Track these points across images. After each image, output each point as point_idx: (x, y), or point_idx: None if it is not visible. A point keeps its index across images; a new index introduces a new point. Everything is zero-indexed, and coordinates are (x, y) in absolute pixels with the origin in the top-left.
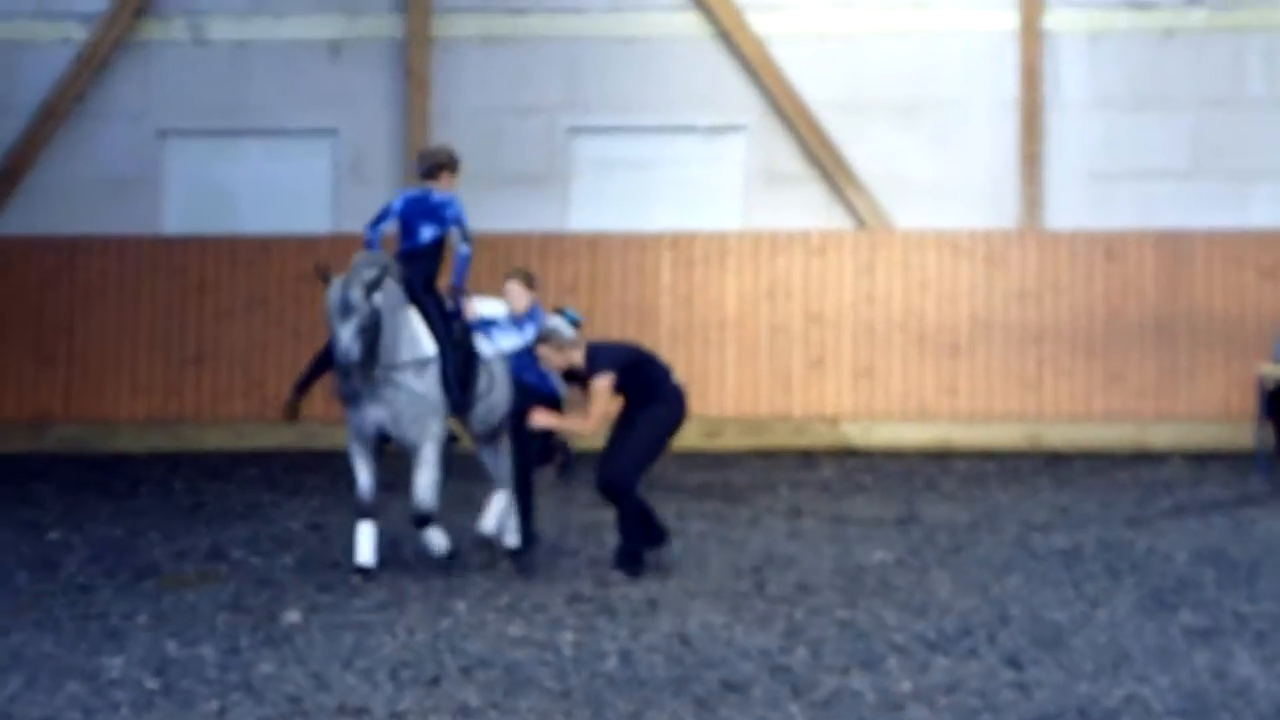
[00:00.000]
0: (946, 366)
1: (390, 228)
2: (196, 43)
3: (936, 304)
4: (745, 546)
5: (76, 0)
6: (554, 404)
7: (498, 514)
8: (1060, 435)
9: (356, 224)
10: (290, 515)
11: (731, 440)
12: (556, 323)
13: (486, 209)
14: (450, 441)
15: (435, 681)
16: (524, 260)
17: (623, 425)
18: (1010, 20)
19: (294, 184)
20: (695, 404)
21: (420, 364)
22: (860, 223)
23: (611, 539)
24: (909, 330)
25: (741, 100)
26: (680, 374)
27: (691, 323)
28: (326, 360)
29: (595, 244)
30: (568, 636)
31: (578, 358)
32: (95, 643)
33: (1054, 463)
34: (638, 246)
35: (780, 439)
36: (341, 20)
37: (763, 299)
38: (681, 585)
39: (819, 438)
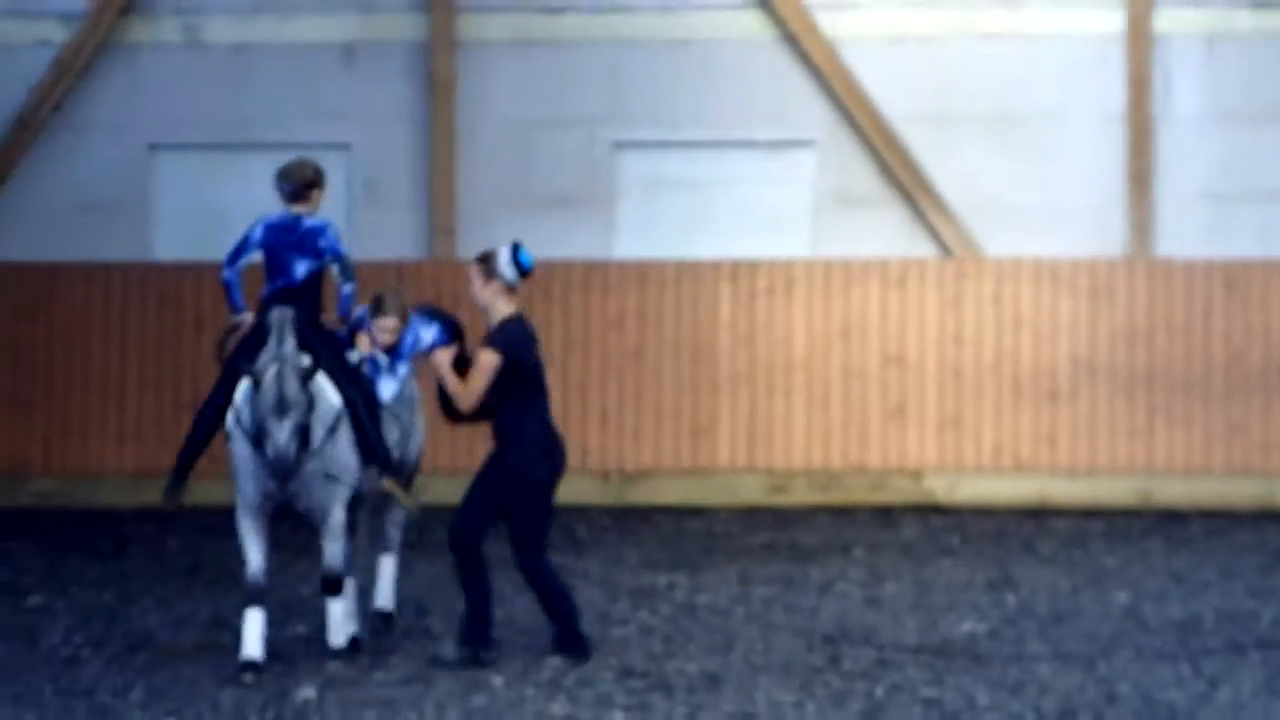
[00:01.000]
0: (1045, 414)
1: (252, 260)
2: (191, 45)
3: (1033, 343)
4: (817, 615)
5: None
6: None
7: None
8: (1175, 491)
9: (373, 251)
10: (300, 579)
11: (800, 496)
12: (506, 255)
13: (519, 232)
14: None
15: None
16: (561, 293)
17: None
18: (1116, 21)
19: None
20: (759, 456)
21: (328, 423)
22: (946, 251)
23: (667, 609)
24: (1001, 373)
25: (810, 112)
26: (742, 422)
27: (754, 364)
28: (203, 434)
29: (644, 274)
30: (618, 717)
31: (496, 305)
32: None
33: (1167, 522)
34: (692, 277)
35: (856, 494)
36: (356, 20)
37: (835, 338)
38: (746, 658)
39: (899, 493)
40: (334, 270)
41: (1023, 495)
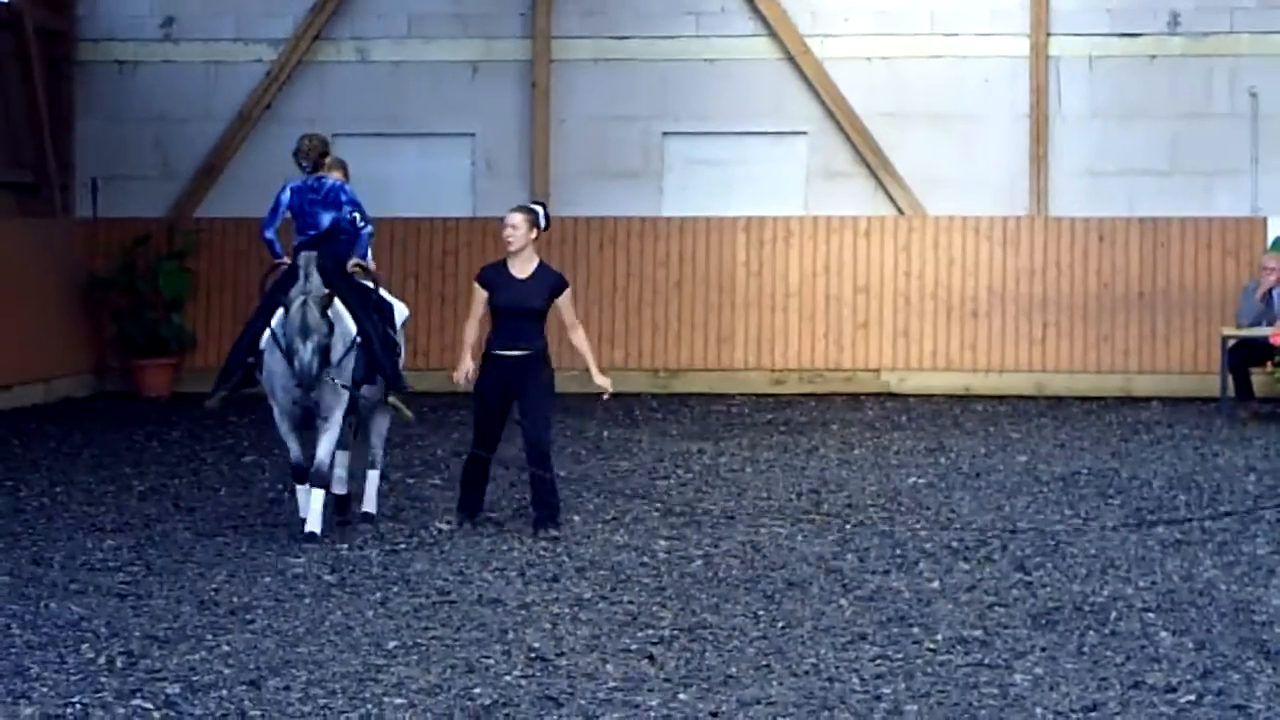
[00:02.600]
0: (969, 328)
1: (284, 218)
2: (362, 62)
3: (961, 278)
4: (804, 472)
5: (266, 27)
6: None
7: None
8: (1060, 384)
9: (490, 210)
10: (437, 444)
11: (793, 387)
12: (541, 212)
13: (595, 198)
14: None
15: (555, 579)
16: (624, 240)
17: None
18: (1022, 47)
19: (439, 177)
20: (764, 358)
21: (345, 345)
22: (900, 211)
23: (698, 467)
24: (938, 299)
25: (803, 111)
26: (752, 333)
27: (761, 292)
28: (241, 353)
29: (683, 227)
30: (661, 544)
31: (530, 250)
32: (283, 545)
33: (1055, 406)
34: (717, 229)
35: (833, 386)
36: (480, 45)
37: (820, 273)
38: (753, 503)
39: (864, 385)
40: (356, 216)
41: (952, 386)
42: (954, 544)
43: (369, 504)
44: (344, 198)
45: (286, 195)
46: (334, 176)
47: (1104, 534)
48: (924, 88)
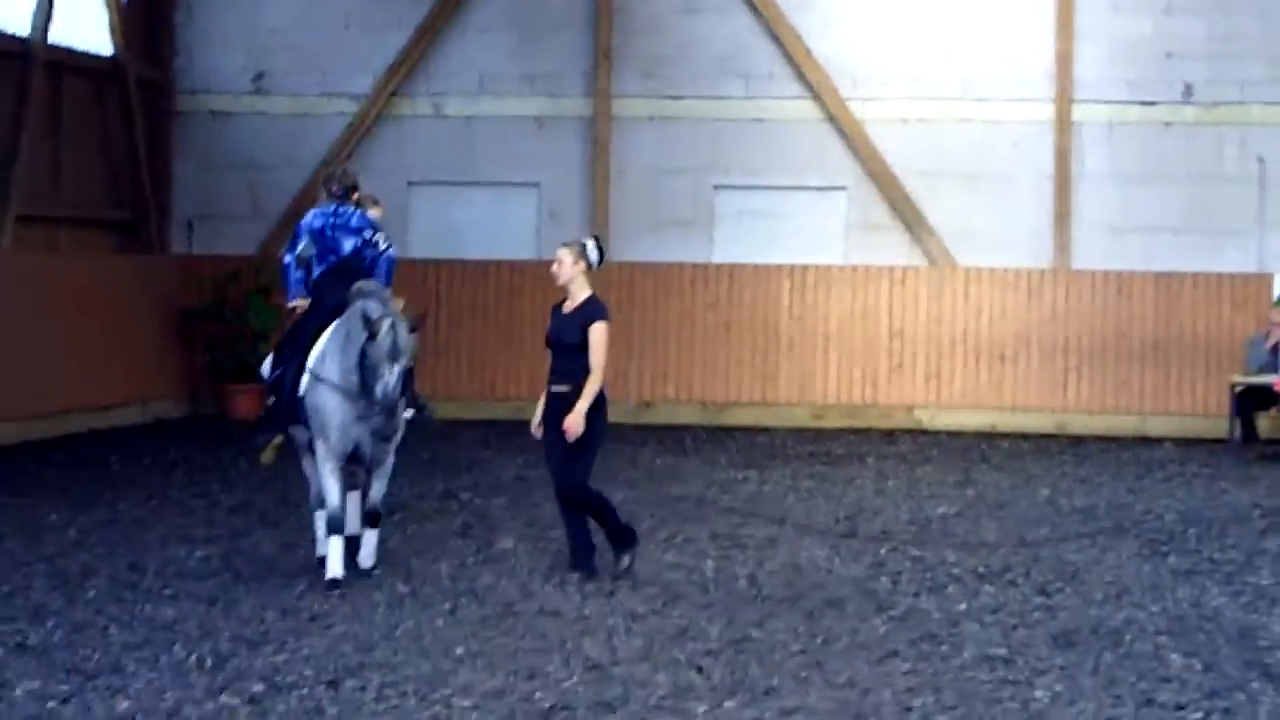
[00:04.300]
0: (995, 370)
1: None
2: (436, 117)
3: (989, 324)
4: (842, 500)
5: (349, 83)
6: None
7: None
8: (1080, 424)
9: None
10: (502, 468)
11: (833, 421)
12: (591, 245)
13: (651, 245)
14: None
15: (611, 594)
16: (677, 284)
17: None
18: (1047, 113)
19: (506, 224)
20: (806, 394)
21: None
22: (932, 262)
23: (744, 493)
24: (967, 343)
25: (844, 167)
26: (795, 372)
27: (803, 334)
28: (289, 393)
29: (732, 273)
30: (709, 563)
31: (579, 282)
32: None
33: (1074, 444)
34: (764, 276)
35: (869, 421)
36: (545, 101)
37: (857, 318)
38: (795, 527)
39: (898, 421)
40: (379, 239)
41: (979, 424)
42: (980, 569)
43: (369, 558)
44: (364, 223)
45: (309, 219)
46: (374, 212)
47: (1119, 563)
48: (956, 148)
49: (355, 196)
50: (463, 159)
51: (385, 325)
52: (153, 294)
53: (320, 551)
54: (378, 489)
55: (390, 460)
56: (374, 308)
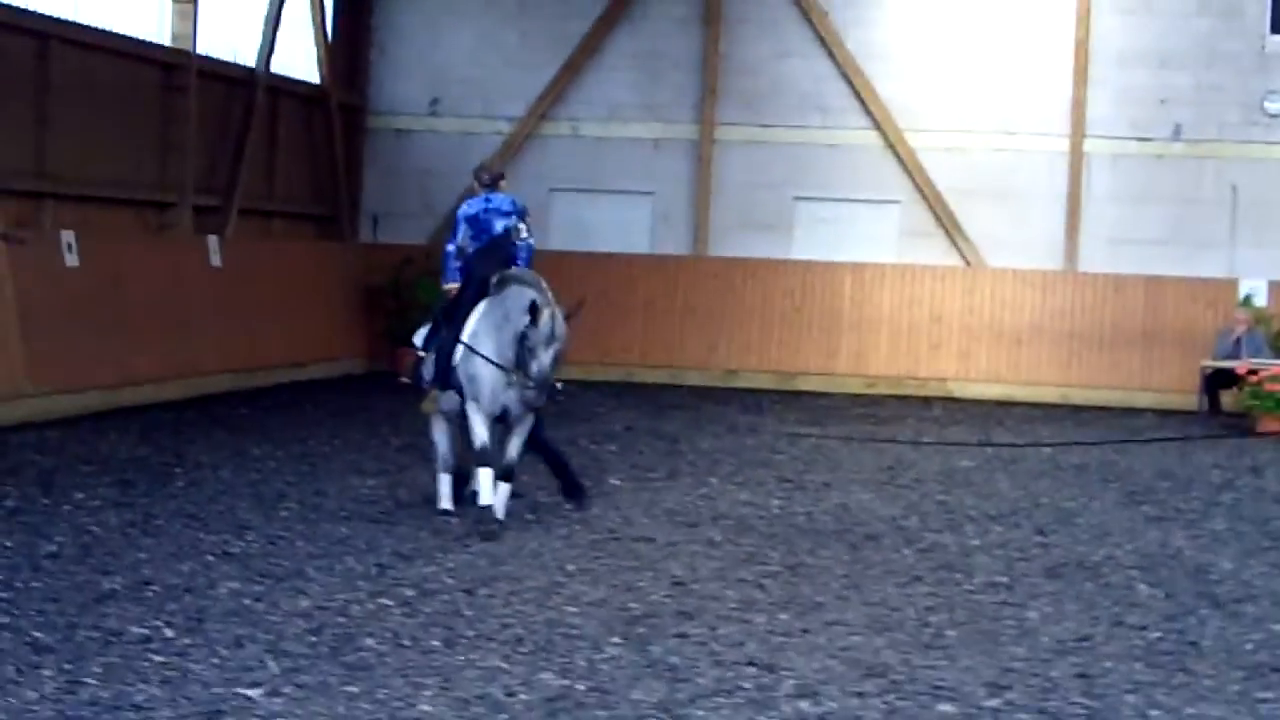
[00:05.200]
0: (1014, 352)
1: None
2: (574, 136)
3: (1010, 315)
4: (885, 453)
5: (505, 108)
6: None
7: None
8: (1081, 396)
9: (666, 249)
10: (613, 421)
11: (882, 390)
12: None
13: (742, 244)
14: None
15: (694, 525)
16: (761, 275)
17: None
18: (1064, 145)
19: (628, 224)
20: (861, 367)
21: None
22: (966, 263)
23: (807, 446)
24: (992, 329)
25: (898, 185)
26: (853, 349)
27: (861, 319)
28: (445, 360)
29: (805, 268)
30: (775, 502)
31: None
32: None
33: (1075, 412)
34: (831, 271)
35: (911, 390)
36: (661, 126)
37: (904, 307)
38: (846, 475)
39: (935, 390)
40: (521, 226)
41: (999, 394)
42: (992, 512)
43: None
44: (513, 207)
45: (465, 208)
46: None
47: (1104, 509)
48: (989, 172)
49: (503, 185)
50: (593, 171)
51: (546, 314)
52: (344, 274)
53: (442, 504)
54: (515, 446)
55: (529, 422)
56: (539, 298)
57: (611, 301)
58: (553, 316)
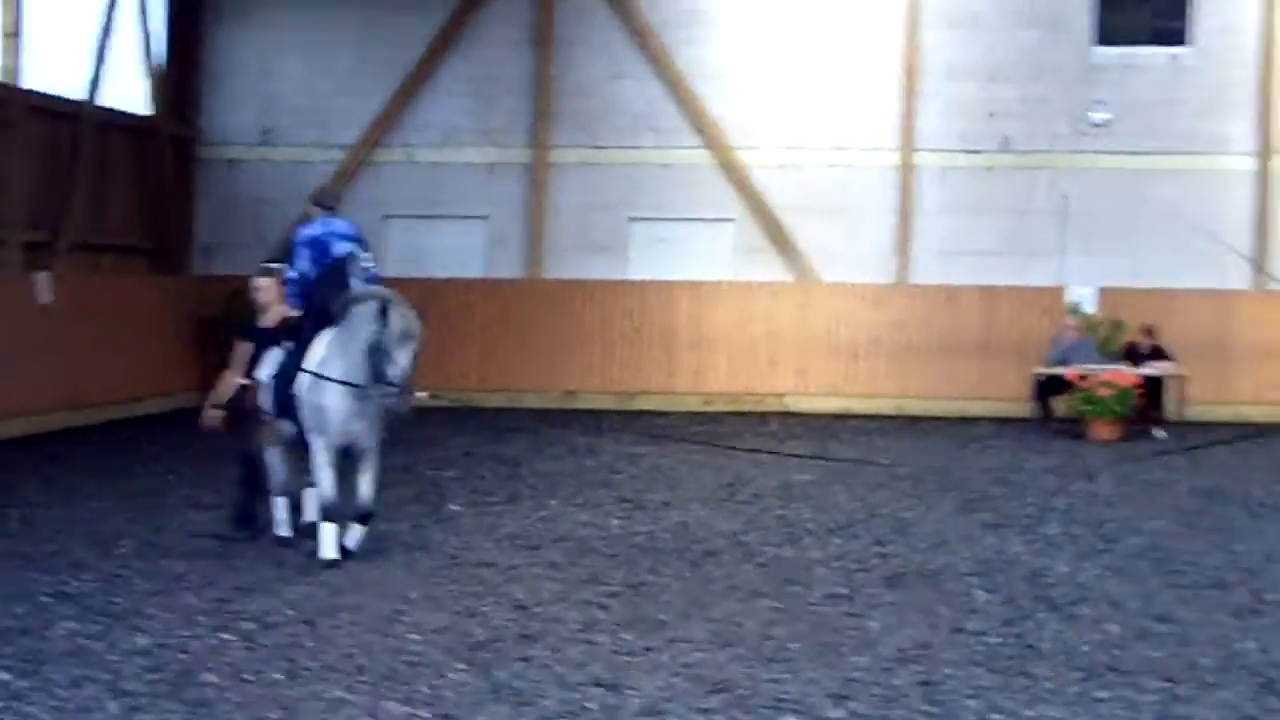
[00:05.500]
0: (849, 365)
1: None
2: (409, 163)
3: (844, 329)
4: (724, 470)
5: (338, 136)
6: None
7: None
8: (915, 407)
9: (502, 273)
10: (453, 447)
11: (719, 407)
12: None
13: (578, 265)
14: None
15: (535, 548)
16: (599, 297)
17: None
18: (894, 159)
19: (462, 248)
20: (699, 385)
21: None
22: (801, 278)
23: (647, 463)
24: (827, 343)
25: (732, 203)
26: (691, 367)
27: (698, 336)
28: (284, 391)
29: (642, 288)
30: (615, 522)
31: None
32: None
33: (911, 423)
34: (667, 290)
35: (748, 406)
36: (495, 150)
37: (741, 323)
38: (685, 493)
39: (771, 406)
40: (360, 251)
41: (836, 408)
42: (830, 525)
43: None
44: (353, 232)
45: (304, 233)
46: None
47: (941, 518)
48: (821, 187)
49: (338, 209)
50: (428, 197)
51: (397, 312)
52: (176, 307)
53: (278, 531)
54: (366, 484)
55: (376, 458)
56: (387, 294)
57: (450, 327)
58: (404, 316)
